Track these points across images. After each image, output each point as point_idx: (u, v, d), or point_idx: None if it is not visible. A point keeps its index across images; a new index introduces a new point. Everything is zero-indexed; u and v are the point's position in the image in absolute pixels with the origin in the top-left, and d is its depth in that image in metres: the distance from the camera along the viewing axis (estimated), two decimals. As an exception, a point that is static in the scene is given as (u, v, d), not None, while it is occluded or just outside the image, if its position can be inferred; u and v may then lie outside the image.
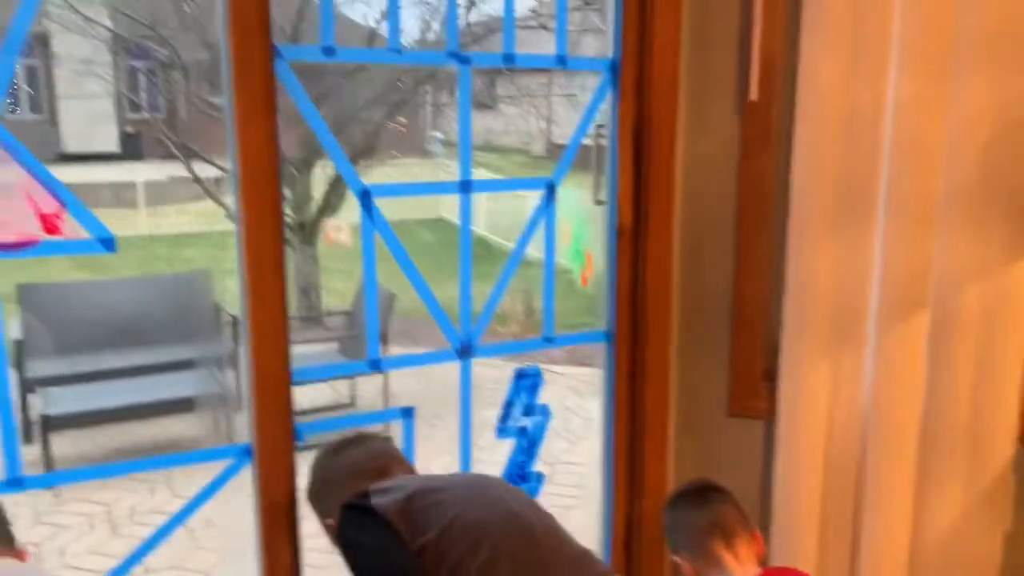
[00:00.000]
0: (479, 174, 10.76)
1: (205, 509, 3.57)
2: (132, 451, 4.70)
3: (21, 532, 4.05)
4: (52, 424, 4.48)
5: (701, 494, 1.69)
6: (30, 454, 4.40)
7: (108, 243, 1.52)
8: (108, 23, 8.59)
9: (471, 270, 1.87)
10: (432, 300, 1.85)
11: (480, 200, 10.78)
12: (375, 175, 7.02)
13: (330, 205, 7.37)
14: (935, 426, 1.90)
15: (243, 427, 1.78)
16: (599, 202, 1.99)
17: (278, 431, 1.68)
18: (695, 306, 2.05)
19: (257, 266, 1.61)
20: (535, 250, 1.99)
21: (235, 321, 5.26)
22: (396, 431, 1.89)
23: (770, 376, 2.01)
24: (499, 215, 10.47)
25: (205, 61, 7.73)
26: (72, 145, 13.33)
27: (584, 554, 1.47)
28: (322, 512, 1.61)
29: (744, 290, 2.01)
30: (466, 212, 1.85)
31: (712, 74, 1.93)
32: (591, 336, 2.05)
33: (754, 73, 1.86)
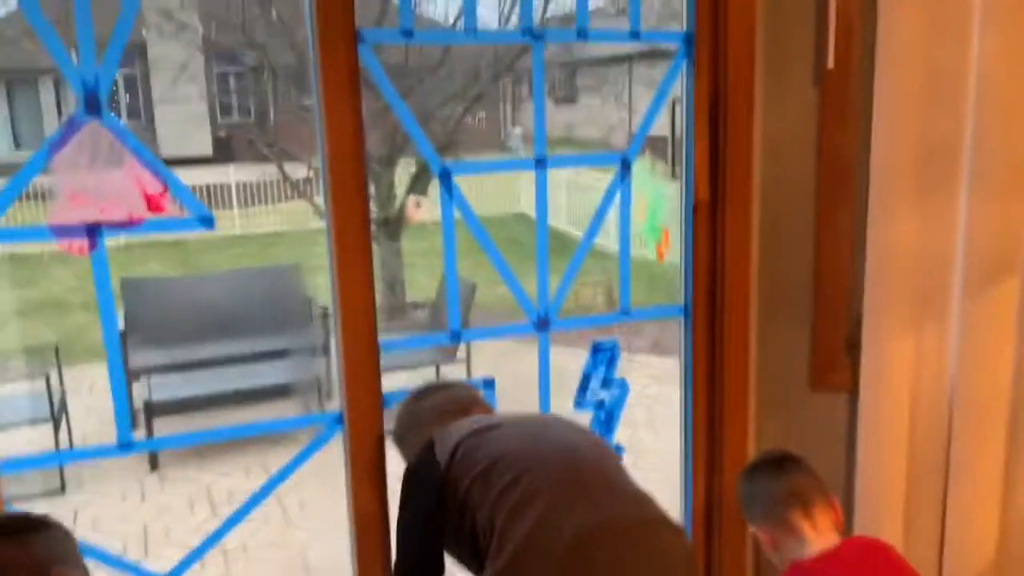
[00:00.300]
0: (562, 173, 10.77)
1: (300, 492, 3.72)
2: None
3: (130, 513, 4.26)
4: (155, 410, 4.71)
5: (778, 464, 1.70)
6: (136, 438, 4.63)
7: (207, 221, 1.62)
8: (200, 29, 8.96)
9: (547, 246, 1.91)
10: (509, 275, 1.90)
11: (559, 195, 10.81)
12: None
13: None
14: (1025, 398, 1.85)
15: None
16: (675, 178, 2.00)
17: (367, 399, 1.76)
18: (775, 279, 2.04)
19: (346, 233, 1.69)
20: (615, 243, 1.99)
21: (325, 313, 5.43)
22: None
23: (853, 349, 1.99)
24: (579, 209, 10.48)
25: (292, 64, 8.00)
26: (168, 150, 13.93)
27: (636, 494, 1.41)
28: (406, 454, 1.68)
29: (825, 262, 1.99)
30: (542, 189, 1.89)
31: (788, 44, 1.92)
32: (668, 310, 2.07)
33: (831, 40, 1.84)
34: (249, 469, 4.50)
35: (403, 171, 7.74)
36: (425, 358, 5.18)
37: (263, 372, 5.20)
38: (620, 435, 2.02)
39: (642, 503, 1.39)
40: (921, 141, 1.80)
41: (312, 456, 1.87)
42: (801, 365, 2.06)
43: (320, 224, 1.75)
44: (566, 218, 10.73)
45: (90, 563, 1.30)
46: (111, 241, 1.64)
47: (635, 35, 1.90)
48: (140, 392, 4.95)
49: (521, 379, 1.99)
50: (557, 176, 10.56)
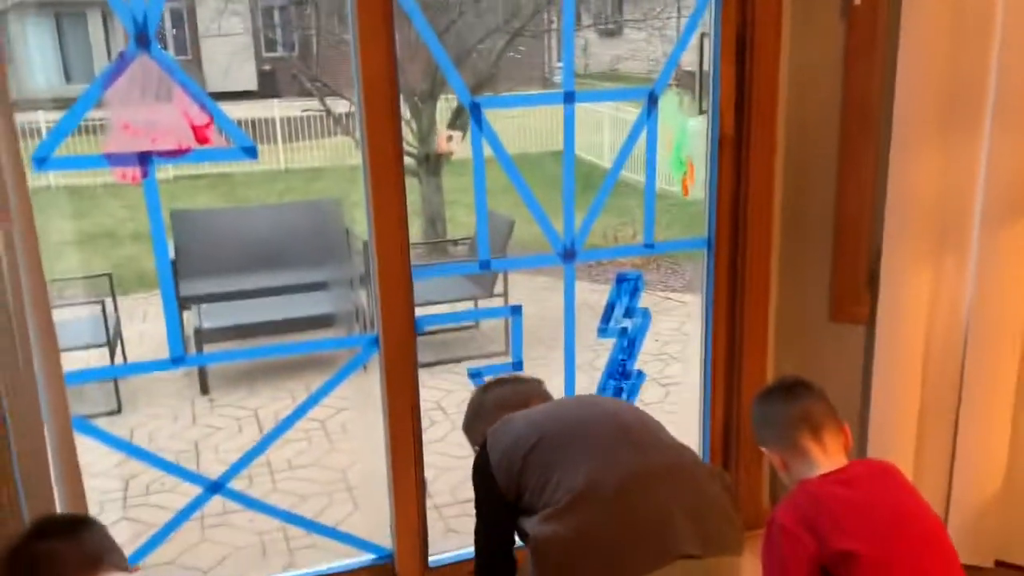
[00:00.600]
0: (604, 110, 10.63)
1: (341, 417, 3.87)
2: (278, 362, 5.10)
3: (181, 432, 4.47)
4: (205, 337, 4.91)
5: (790, 389, 1.75)
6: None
7: (250, 151, 1.72)
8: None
9: (574, 181, 1.98)
10: (538, 209, 1.97)
11: (602, 132, 10.72)
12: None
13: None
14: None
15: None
16: (703, 112, 2.04)
17: (401, 322, 1.87)
18: (798, 213, 2.09)
19: (380, 166, 1.77)
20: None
21: (365, 247, 5.55)
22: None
23: (873, 282, 2.03)
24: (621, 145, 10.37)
25: (335, -4, 7.98)
26: (215, 84, 14.04)
27: (673, 446, 1.57)
28: (472, 440, 1.80)
29: (847, 196, 2.03)
30: (569, 123, 1.94)
31: (816, -21, 1.93)
32: (691, 243, 2.13)
33: (858, -24, 1.85)
34: (295, 394, 4.69)
35: (446, 107, 7.76)
36: (463, 293, 5.29)
37: (306, 302, 5.35)
38: (652, 368, 2.11)
39: (681, 452, 1.56)
40: (945, 78, 1.81)
41: (350, 375, 1.99)
42: (821, 297, 2.12)
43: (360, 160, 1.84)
44: (608, 155, 10.66)
45: (147, 467, 1.43)
46: (160, 174, 1.75)
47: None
48: (190, 321, 5.14)
49: (557, 313, 2.09)
50: (598, 113, 10.47)
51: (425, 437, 2.01)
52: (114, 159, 1.63)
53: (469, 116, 1.85)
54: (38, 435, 1.53)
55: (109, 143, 1.63)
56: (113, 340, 4.82)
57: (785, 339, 2.16)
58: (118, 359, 4.86)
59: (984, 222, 1.87)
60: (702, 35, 1.99)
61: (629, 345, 2.08)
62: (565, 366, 2.09)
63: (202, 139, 1.66)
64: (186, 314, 5.31)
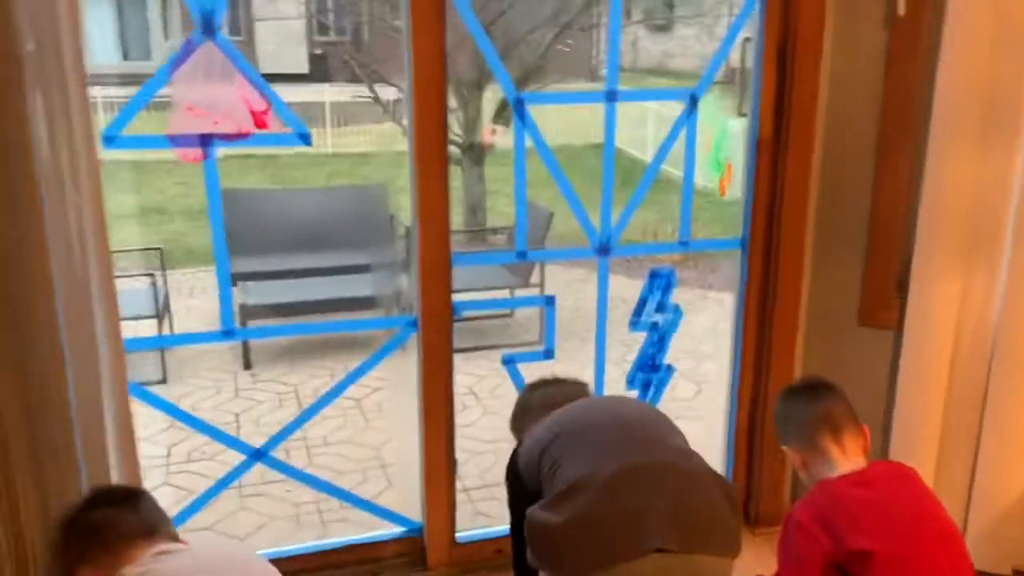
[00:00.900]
0: (650, 106, 10.58)
1: (377, 396, 3.95)
2: (318, 341, 5.22)
3: (223, 404, 4.59)
4: (249, 313, 5.05)
5: (813, 390, 1.78)
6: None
7: (305, 138, 1.80)
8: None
9: (613, 175, 2.03)
10: (576, 201, 2.03)
11: (646, 127, 10.70)
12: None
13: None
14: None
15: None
16: (742, 114, 2.08)
17: (439, 306, 1.95)
18: (832, 217, 2.12)
19: (426, 154, 1.85)
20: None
21: (408, 232, 5.65)
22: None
23: (903, 289, 2.06)
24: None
25: (389, -17, 8.06)
26: (266, 66, 14.26)
27: (679, 450, 1.60)
28: (518, 437, 1.87)
29: (882, 203, 2.05)
30: (610, 121, 2.00)
31: (860, -11, 1.96)
32: (726, 243, 2.17)
33: (901, -13, 1.87)
34: (333, 372, 4.81)
35: (493, 97, 7.82)
36: (500, 281, 5.37)
37: (349, 284, 5.47)
38: (685, 364, 2.16)
39: (686, 456, 1.58)
40: (985, 88, 1.83)
41: (388, 355, 2.08)
42: (851, 301, 2.15)
43: (407, 147, 1.91)
44: (651, 150, 10.64)
45: (189, 435, 1.50)
46: (213, 153, 1.84)
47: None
48: (236, 297, 5.29)
49: (592, 305, 2.15)
50: (643, 109, 10.45)
51: (457, 421, 2.09)
52: (177, 140, 1.72)
53: (512, 111, 1.91)
54: (96, 400, 1.63)
55: (173, 124, 1.72)
56: (162, 312, 4.98)
57: (814, 341, 2.19)
58: (165, 331, 5.02)
59: (1017, 233, 1.89)
60: (745, 39, 2.03)
61: (660, 340, 2.13)
62: (596, 359, 2.15)
63: (260, 124, 1.75)
64: (233, 290, 5.43)
